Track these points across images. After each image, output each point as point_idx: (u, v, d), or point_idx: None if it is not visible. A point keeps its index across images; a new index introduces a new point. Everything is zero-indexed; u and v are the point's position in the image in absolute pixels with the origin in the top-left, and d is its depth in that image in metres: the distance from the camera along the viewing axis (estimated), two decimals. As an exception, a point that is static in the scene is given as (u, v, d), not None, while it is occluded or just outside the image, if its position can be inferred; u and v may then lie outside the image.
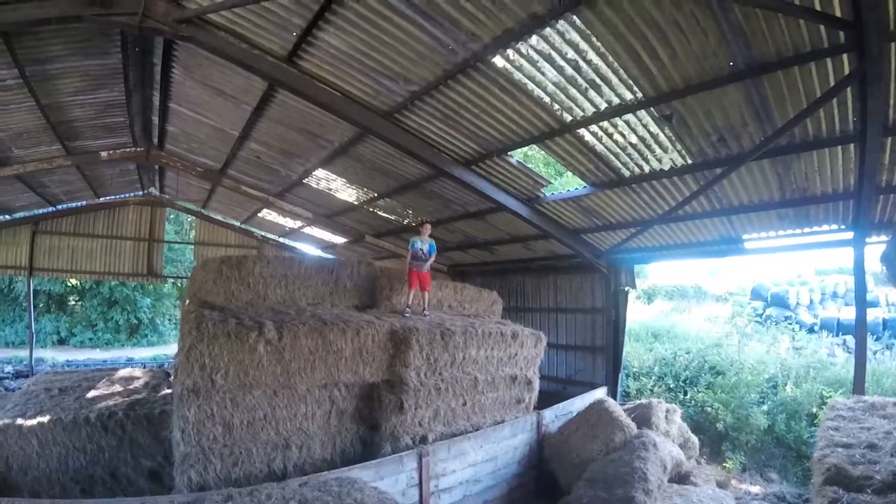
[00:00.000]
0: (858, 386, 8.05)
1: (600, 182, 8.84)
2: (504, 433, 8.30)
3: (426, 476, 6.85)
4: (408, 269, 8.68)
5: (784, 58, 5.27)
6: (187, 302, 7.70)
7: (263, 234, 21.63)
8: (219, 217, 21.29)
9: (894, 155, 6.37)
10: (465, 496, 7.57)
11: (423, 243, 8.75)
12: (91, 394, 8.71)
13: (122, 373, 10.39)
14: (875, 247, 7.86)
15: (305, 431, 6.80)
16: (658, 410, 9.27)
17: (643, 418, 9.04)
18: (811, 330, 17.06)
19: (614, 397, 11.08)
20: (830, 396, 9.86)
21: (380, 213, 14.43)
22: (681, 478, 8.26)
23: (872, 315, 15.64)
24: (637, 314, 19.94)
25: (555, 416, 9.41)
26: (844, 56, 5.11)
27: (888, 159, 6.44)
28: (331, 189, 13.59)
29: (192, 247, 22.33)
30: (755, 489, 9.65)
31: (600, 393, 10.67)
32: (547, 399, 10.13)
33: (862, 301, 8.34)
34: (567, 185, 13.92)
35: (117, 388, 9.12)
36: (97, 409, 7.91)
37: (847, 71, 5.21)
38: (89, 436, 7.61)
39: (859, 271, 8.23)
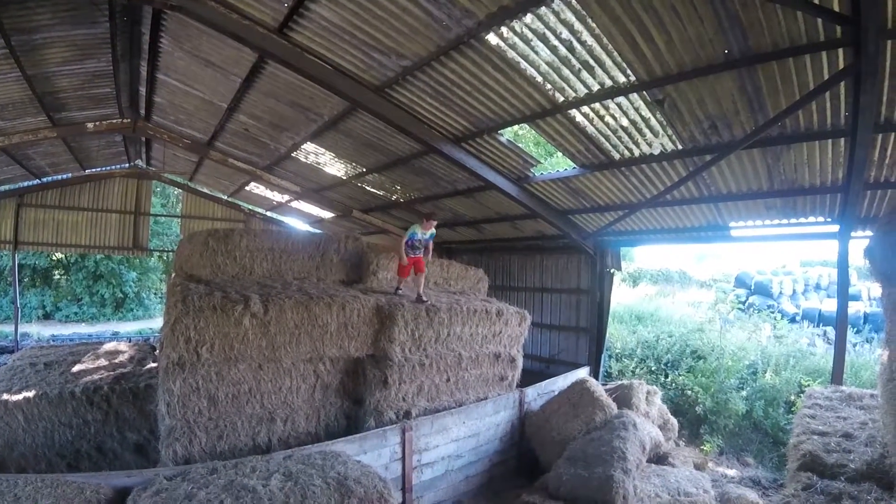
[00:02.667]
0: (837, 376, 8.23)
1: (590, 164, 8.82)
2: (487, 410, 8.40)
3: (409, 450, 6.95)
4: (403, 256, 8.13)
5: (780, 49, 5.25)
6: (173, 275, 7.66)
7: (250, 207, 21.43)
8: (206, 190, 21.04)
9: (884, 151, 6.42)
10: (447, 471, 7.69)
11: (424, 234, 8.38)
12: (76, 368, 8.69)
13: (108, 347, 10.38)
14: (860, 241, 7.94)
15: (290, 405, 6.85)
16: (639, 392, 9.40)
17: (624, 399, 9.18)
18: (793, 320, 17.32)
19: (596, 377, 11.25)
20: (809, 385, 10.05)
21: (368, 188, 14.34)
22: (659, 458, 8.41)
23: (854, 308, 15.92)
24: (622, 297, 20.14)
25: (537, 395, 9.54)
26: (840, 51, 5.10)
27: (877, 155, 6.50)
28: (319, 163, 13.45)
29: (179, 220, 22.10)
30: (731, 472, 9.86)
31: (583, 373, 10.80)
32: (530, 377, 10.25)
33: (844, 293, 8.46)
34: (556, 165, 13.94)
35: (103, 362, 9.11)
36: (83, 383, 7.90)
37: (842, 65, 5.20)
38: (75, 410, 7.61)
39: (843, 264, 8.34)
